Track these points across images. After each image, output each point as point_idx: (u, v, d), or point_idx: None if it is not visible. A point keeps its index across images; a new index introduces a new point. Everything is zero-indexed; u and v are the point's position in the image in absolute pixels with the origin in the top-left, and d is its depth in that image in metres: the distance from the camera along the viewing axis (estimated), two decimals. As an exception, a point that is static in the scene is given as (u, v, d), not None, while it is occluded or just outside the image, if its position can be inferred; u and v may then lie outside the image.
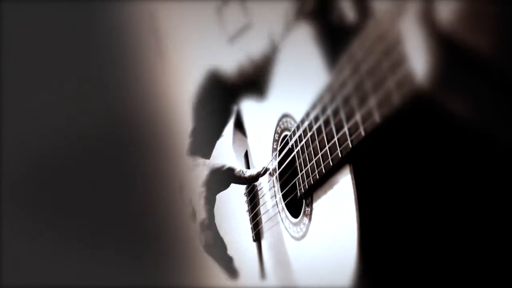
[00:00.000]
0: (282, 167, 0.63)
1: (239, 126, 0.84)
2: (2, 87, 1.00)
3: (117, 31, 1.10)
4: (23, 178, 1.00)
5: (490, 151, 0.30)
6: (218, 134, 0.82)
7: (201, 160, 0.74)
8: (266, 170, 0.70)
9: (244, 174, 0.71)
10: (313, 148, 0.51)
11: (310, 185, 0.54)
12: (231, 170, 0.72)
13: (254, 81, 0.72)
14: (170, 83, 1.15)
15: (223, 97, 0.79)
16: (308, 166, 0.53)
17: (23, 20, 1.02)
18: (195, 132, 0.77)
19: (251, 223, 0.81)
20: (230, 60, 0.75)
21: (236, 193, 0.84)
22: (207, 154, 0.78)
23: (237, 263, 0.74)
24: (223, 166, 0.72)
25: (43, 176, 1.02)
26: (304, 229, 0.58)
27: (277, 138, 0.66)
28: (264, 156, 0.72)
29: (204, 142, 0.79)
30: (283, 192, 0.65)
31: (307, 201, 0.57)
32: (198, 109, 0.79)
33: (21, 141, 1.01)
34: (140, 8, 1.15)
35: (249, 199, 0.81)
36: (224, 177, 0.72)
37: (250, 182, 0.74)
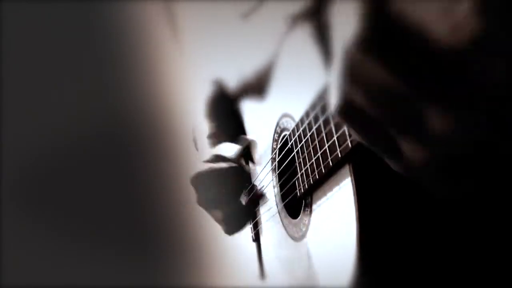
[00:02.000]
0: (282, 167, 0.63)
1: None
2: (2, 87, 1.00)
3: (117, 31, 1.10)
4: (23, 178, 1.00)
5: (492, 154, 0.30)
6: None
7: None
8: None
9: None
10: (312, 148, 0.51)
11: (309, 185, 0.54)
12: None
13: (255, 86, 0.73)
14: (171, 83, 1.15)
15: (230, 105, 0.81)
16: (308, 166, 0.53)
17: (23, 20, 1.02)
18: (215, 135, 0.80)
19: (250, 223, 0.81)
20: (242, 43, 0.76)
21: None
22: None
23: (236, 263, 0.75)
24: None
25: (43, 176, 1.02)
26: (303, 229, 0.58)
27: (276, 138, 0.66)
28: (263, 156, 0.72)
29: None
30: (282, 192, 0.65)
31: (307, 201, 0.57)
32: (213, 115, 0.81)
33: (21, 141, 1.01)
34: (140, 8, 1.15)
35: (249, 199, 0.81)
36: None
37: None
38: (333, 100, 0.31)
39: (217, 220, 0.77)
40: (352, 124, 0.32)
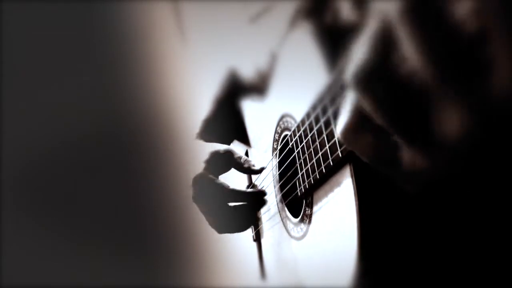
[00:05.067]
0: (283, 167, 0.63)
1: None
2: (2, 87, 1.00)
3: (118, 31, 1.10)
4: (23, 178, 1.00)
5: (490, 154, 0.30)
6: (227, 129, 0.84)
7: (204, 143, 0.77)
8: (262, 169, 0.72)
9: (242, 162, 0.72)
10: (313, 148, 0.51)
11: (310, 185, 0.54)
12: (230, 152, 0.73)
13: (256, 85, 0.73)
14: (171, 83, 1.15)
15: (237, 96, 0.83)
16: (309, 165, 0.53)
17: (23, 20, 1.02)
18: (208, 122, 0.81)
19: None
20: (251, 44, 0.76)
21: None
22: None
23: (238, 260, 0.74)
24: (223, 148, 0.74)
25: (44, 176, 1.02)
26: (304, 229, 0.58)
27: (277, 137, 0.66)
28: (264, 156, 0.72)
29: (213, 133, 0.82)
30: (283, 192, 0.65)
31: (308, 201, 0.57)
32: (219, 103, 0.82)
33: (21, 141, 1.01)
34: (140, 8, 1.15)
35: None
36: (224, 159, 0.74)
37: (246, 173, 0.76)
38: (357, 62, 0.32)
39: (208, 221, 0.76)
40: (368, 94, 0.32)
